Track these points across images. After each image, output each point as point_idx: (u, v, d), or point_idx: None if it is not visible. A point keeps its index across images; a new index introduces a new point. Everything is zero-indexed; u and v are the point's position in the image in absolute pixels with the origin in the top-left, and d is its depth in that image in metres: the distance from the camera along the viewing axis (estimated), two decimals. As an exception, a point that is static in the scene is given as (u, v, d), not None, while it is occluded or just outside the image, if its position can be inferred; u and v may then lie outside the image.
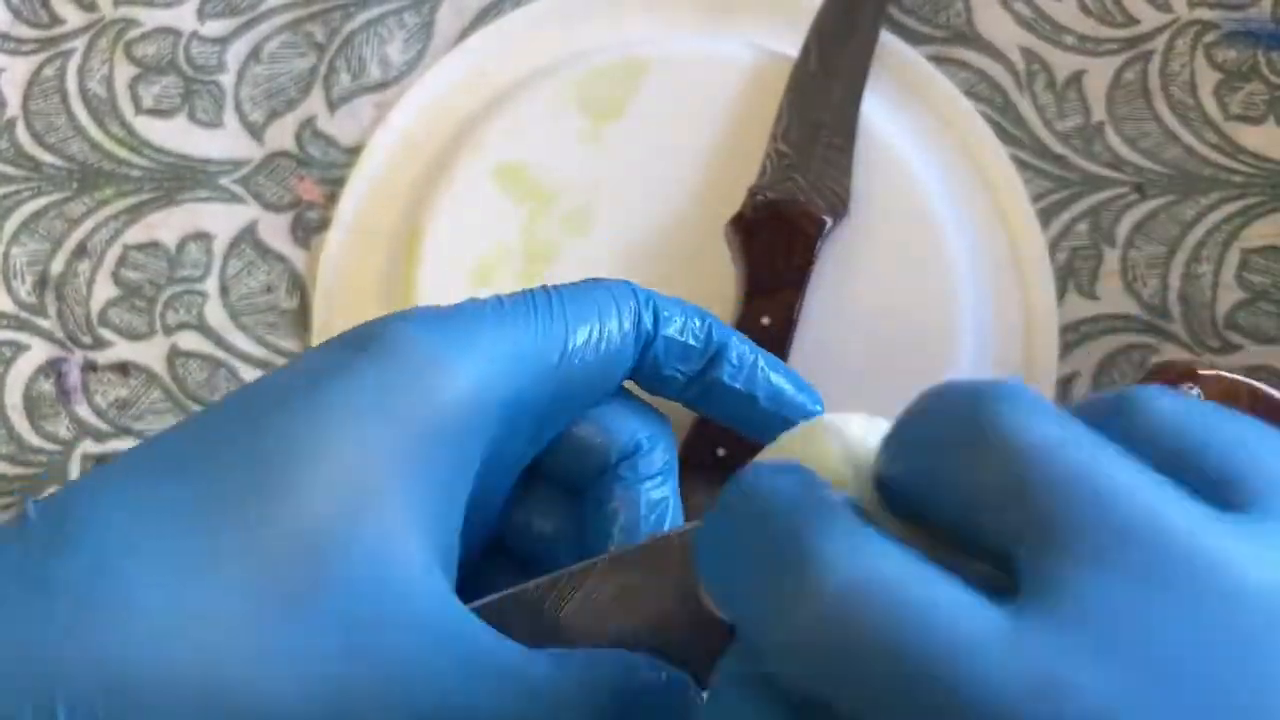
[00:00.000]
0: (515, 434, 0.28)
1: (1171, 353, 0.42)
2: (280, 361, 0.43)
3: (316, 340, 0.43)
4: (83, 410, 0.43)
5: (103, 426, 0.43)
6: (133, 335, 0.44)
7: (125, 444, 0.43)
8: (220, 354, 0.43)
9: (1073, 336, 0.43)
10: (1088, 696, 0.16)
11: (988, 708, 0.16)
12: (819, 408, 0.31)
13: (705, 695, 0.24)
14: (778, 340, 0.40)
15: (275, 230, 0.44)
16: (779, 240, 0.41)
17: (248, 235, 0.44)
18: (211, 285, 0.44)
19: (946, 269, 0.42)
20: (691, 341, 0.29)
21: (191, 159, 0.45)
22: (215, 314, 0.44)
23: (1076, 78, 0.45)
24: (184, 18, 0.46)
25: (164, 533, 0.23)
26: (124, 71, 0.46)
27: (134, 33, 0.46)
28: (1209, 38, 0.45)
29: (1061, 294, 0.43)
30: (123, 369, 0.43)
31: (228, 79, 0.45)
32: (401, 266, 0.43)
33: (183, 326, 0.44)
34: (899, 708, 0.17)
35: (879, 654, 0.17)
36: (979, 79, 0.45)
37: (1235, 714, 0.17)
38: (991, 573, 0.18)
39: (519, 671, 0.25)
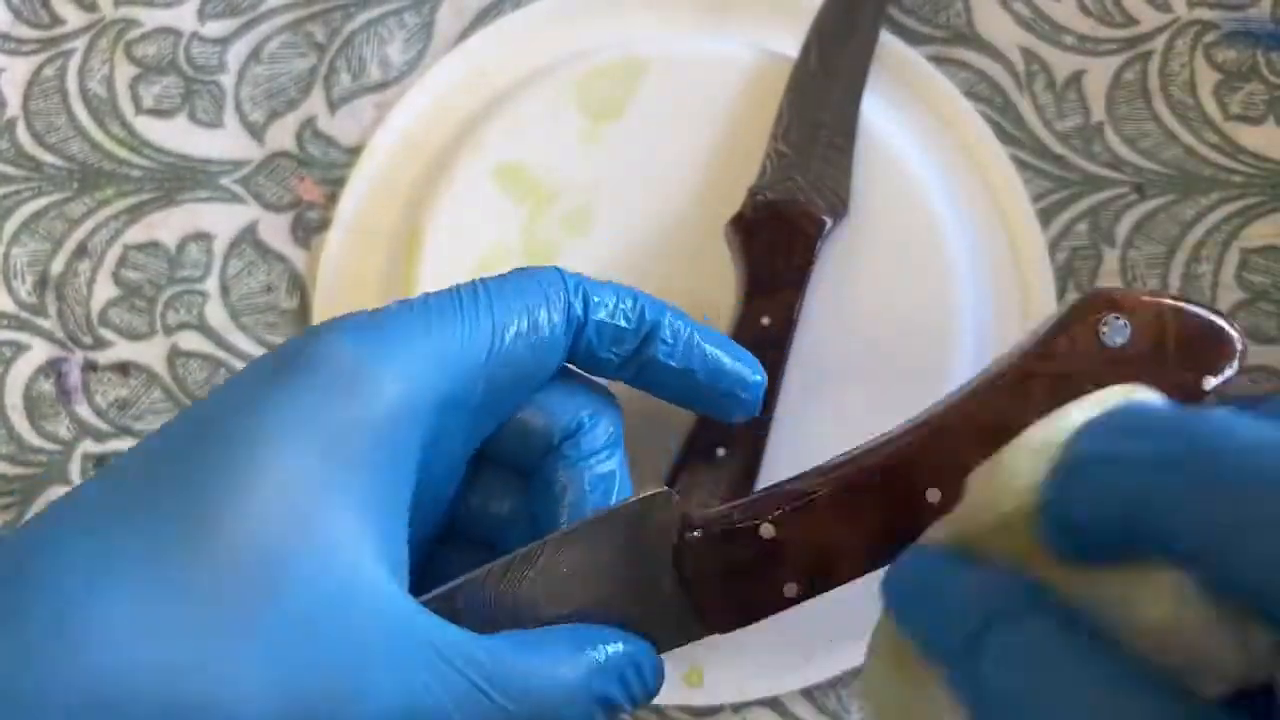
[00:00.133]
0: (453, 429, 0.29)
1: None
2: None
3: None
4: (83, 410, 0.43)
5: (103, 426, 0.43)
6: (133, 335, 0.44)
7: (125, 444, 0.43)
8: (220, 354, 0.43)
9: (1072, 336, 0.43)
10: None
11: None
12: (759, 376, 0.31)
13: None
14: (778, 340, 0.40)
15: (275, 230, 0.44)
16: (779, 240, 0.41)
17: (248, 235, 0.44)
18: (212, 285, 0.44)
19: (946, 269, 0.42)
20: (623, 323, 0.30)
21: (192, 159, 0.45)
22: (215, 314, 0.44)
23: (1076, 78, 0.45)
24: (184, 18, 0.46)
25: (119, 568, 0.24)
26: (124, 72, 0.46)
27: (134, 33, 0.46)
28: (1209, 38, 0.45)
29: (1061, 294, 0.43)
30: (123, 369, 0.43)
31: (228, 79, 0.45)
32: (402, 266, 0.43)
33: (183, 326, 0.44)
34: None
35: None
36: (979, 79, 0.45)
37: None
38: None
39: (473, 659, 0.26)
